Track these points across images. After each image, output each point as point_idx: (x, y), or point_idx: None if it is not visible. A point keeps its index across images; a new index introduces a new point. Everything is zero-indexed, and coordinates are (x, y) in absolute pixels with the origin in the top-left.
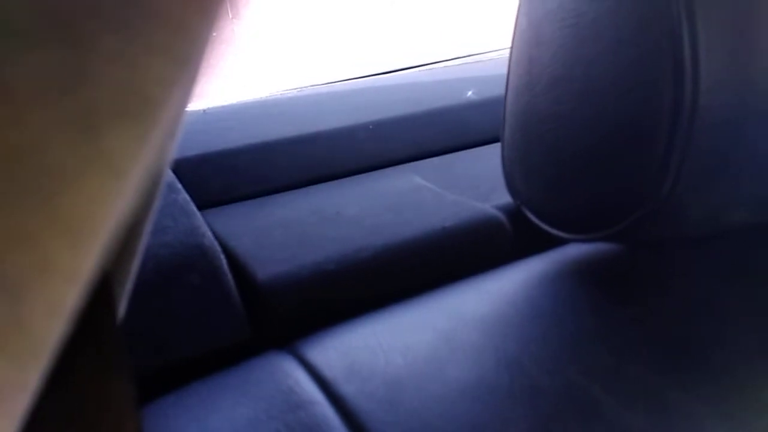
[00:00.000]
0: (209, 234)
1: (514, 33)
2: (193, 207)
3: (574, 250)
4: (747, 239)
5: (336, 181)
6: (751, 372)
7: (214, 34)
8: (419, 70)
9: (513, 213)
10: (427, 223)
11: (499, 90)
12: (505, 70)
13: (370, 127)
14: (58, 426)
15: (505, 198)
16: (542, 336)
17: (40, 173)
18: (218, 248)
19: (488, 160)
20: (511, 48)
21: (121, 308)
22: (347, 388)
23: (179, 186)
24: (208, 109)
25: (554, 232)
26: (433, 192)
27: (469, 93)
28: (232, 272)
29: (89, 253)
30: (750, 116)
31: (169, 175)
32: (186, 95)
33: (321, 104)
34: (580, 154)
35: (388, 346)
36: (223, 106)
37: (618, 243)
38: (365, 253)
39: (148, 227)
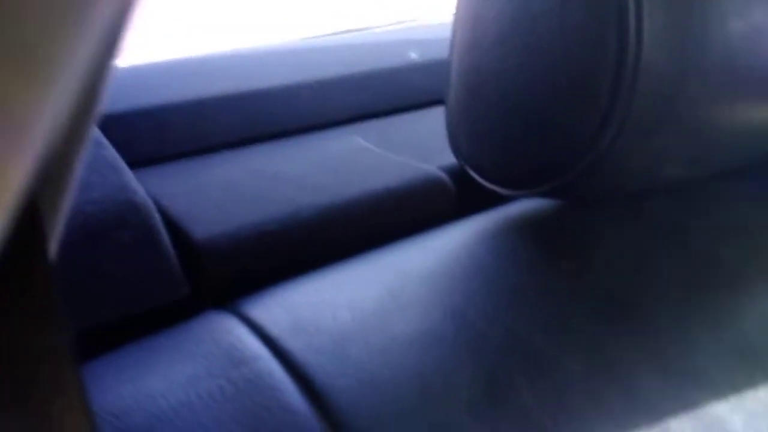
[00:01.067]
0: (141, 190)
1: None
2: (122, 163)
3: (516, 208)
4: (678, 198)
5: (276, 141)
6: (676, 319)
7: None
8: (362, 33)
9: (456, 173)
10: (370, 183)
11: (443, 53)
12: (449, 35)
13: (313, 85)
14: None
15: (448, 159)
16: (486, 289)
17: None
18: (151, 205)
19: (432, 122)
20: (456, 7)
21: (52, 253)
22: (293, 343)
23: (106, 142)
24: (140, 64)
25: (498, 189)
26: (375, 153)
27: (412, 55)
28: (167, 232)
29: (43, 98)
30: (691, 72)
31: (96, 132)
32: (97, 44)
33: (260, 63)
34: (525, 109)
35: (334, 302)
36: (156, 62)
37: (560, 199)
38: (306, 213)
39: (77, 165)
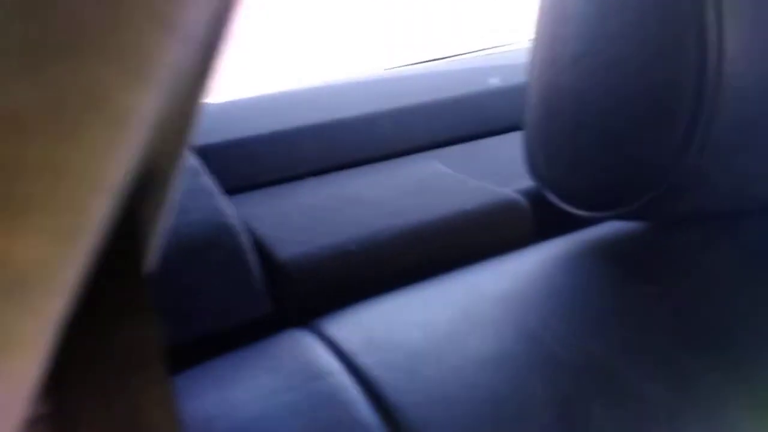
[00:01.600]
0: (232, 214)
1: (538, 13)
2: (216, 189)
3: (594, 231)
4: (765, 219)
5: (357, 168)
6: (765, 344)
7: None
8: (443, 61)
9: (534, 197)
10: (448, 206)
11: (521, 79)
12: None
13: (393, 114)
14: (88, 384)
15: (526, 184)
16: (563, 311)
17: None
18: (241, 227)
19: (510, 148)
20: (536, 29)
21: (150, 264)
22: (366, 360)
23: (203, 170)
24: (232, 100)
25: (575, 211)
26: (453, 177)
27: (493, 80)
28: (254, 253)
29: (144, 99)
30: None
31: (194, 161)
32: (195, 64)
33: (343, 94)
34: (603, 129)
35: (408, 321)
36: (247, 98)
37: (643, 220)
38: (385, 235)
39: (175, 182)
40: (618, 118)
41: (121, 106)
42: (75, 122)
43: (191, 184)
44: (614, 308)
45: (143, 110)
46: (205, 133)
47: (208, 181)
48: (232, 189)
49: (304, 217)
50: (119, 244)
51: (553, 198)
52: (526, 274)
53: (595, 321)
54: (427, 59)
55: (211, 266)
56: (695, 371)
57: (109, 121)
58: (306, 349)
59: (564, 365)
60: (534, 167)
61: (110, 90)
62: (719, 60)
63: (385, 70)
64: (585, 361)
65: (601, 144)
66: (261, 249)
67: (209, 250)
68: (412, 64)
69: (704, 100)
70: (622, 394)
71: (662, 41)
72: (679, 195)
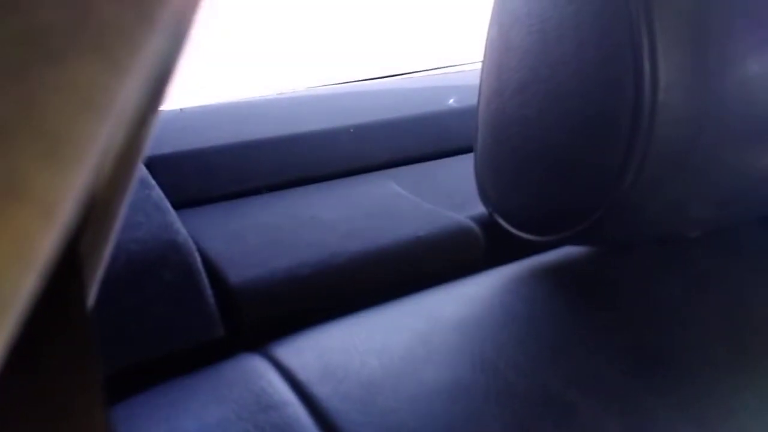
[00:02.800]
0: (183, 231)
1: (486, 42)
2: (167, 204)
3: (548, 258)
4: (711, 245)
5: (313, 186)
6: (719, 377)
7: (181, 39)
8: (401, 78)
9: (486, 223)
10: (402, 231)
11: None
12: None
13: (351, 130)
14: (23, 414)
15: (479, 208)
16: (518, 340)
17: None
18: (192, 245)
19: (467, 169)
20: (483, 57)
21: (92, 296)
22: (321, 389)
23: (153, 182)
24: (186, 108)
25: (525, 235)
26: (408, 200)
27: (451, 101)
28: (205, 273)
29: (67, 180)
30: (709, 114)
31: (143, 172)
32: (141, 96)
33: (300, 107)
34: (546, 154)
35: (364, 348)
36: (201, 106)
37: (587, 245)
38: (339, 259)
39: (121, 212)
40: (560, 144)
41: (43, 191)
42: None
43: (141, 197)
44: (569, 337)
45: (69, 190)
46: (154, 142)
47: (159, 194)
48: (182, 202)
49: (257, 237)
50: (57, 282)
51: (502, 222)
52: (481, 300)
53: (550, 350)
54: (386, 75)
55: (161, 286)
56: (646, 401)
57: (32, 208)
58: (258, 376)
59: (520, 396)
60: (483, 193)
61: (31, 177)
62: (653, 89)
63: (344, 84)
64: (541, 393)
65: (545, 170)
66: (211, 270)
67: (159, 268)
68: (370, 79)
69: (640, 127)
70: (575, 423)
71: (599, 70)
72: (619, 219)
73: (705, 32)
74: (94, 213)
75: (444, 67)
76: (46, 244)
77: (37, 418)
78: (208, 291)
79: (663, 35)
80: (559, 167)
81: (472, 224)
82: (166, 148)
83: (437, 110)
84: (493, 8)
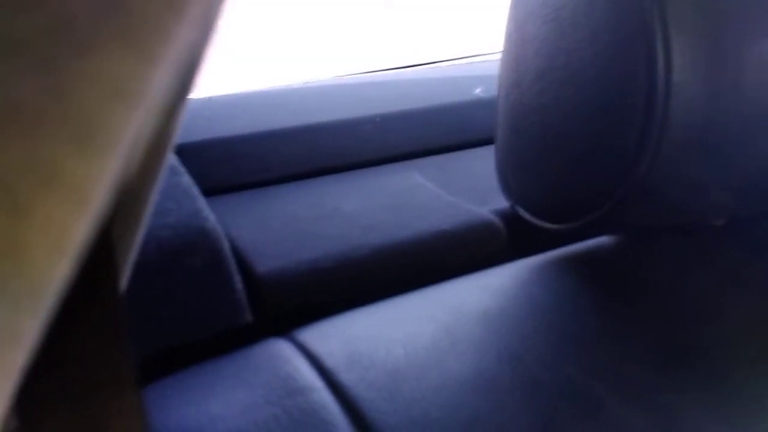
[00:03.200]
0: (212, 218)
1: (504, 37)
2: (195, 191)
3: (574, 250)
4: (739, 238)
5: (336, 175)
6: (751, 375)
7: (211, 29)
8: (427, 68)
9: (509, 218)
10: (424, 224)
11: None
12: None
13: (377, 120)
14: (56, 396)
15: (503, 201)
16: (544, 332)
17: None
18: (221, 232)
19: (492, 160)
20: (502, 51)
21: (124, 281)
22: (347, 376)
23: (182, 169)
24: (214, 97)
25: (545, 224)
26: (431, 192)
27: (477, 90)
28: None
29: (100, 169)
30: (721, 98)
31: (173, 159)
32: (170, 85)
33: (326, 96)
34: (563, 141)
35: (389, 337)
36: (228, 95)
37: (608, 232)
38: (361, 252)
39: (152, 198)
40: (577, 130)
41: (75, 178)
42: (28, 199)
43: (170, 184)
44: (596, 330)
45: (100, 177)
46: (183, 130)
47: (188, 181)
48: (209, 190)
49: (283, 227)
50: (91, 266)
51: (523, 213)
52: (507, 291)
53: (576, 342)
54: (413, 64)
55: (190, 271)
56: (671, 396)
57: (63, 194)
58: (285, 361)
59: (544, 387)
60: (505, 185)
61: (61, 164)
62: (667, 72)
63: (369, 73)
64: (566, 386)
65: (562, 157)
66: (239, 258)
67: (189, 254)
68: (397, 68)
69: (654, 110)
70: (601, 420)
71: (613, 56)
72: (638, 203)
73: (718, 15)
74: (126, 200)
75: (470, 57)
76: (79, 232)
77: (71, 399)
78: (236, 277)
79: (675, 19)
80: (576, 154)
81: (495, 219)
82: (195, 136)
83: (463, 100)
84: (510, 3)
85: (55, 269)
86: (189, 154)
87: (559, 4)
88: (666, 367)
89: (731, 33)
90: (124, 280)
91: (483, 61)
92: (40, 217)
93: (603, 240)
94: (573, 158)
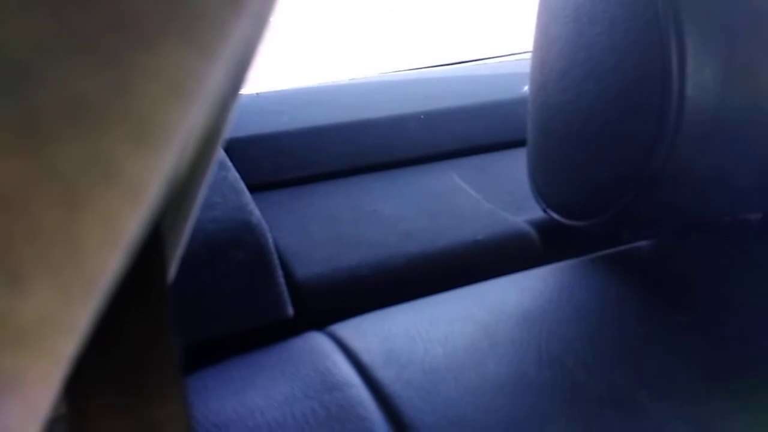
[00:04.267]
0: (257, 212)
1: (532, 42)
2: (242, 185)
3: (612, 253)
4: None
5: (377, 174)
6: None
7: (263, 25)
8: (474, 65)
9: (543, 226)
10: (460, 233)
11: None
12: None
13: (421, 117)
14: (104, 382)
15: (538, 210)
16: (587, 336)
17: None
18: (265, 226)
19: None
20: (531, 57)
21: (172, 273)
22: (384, 374)
23: (230, 164)
24: (261, 93)
25: (573, 222)
26: (469, 198)
27: (525, 88)
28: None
29: (155, 165)
30: (735, 79)
31: (221, 154)
32: (224, 81)
33: (372, 93)
34: (585, 135)
35: (427, 336)
36: (275, 91)
37: (635, 226)
38: (398, 260)
39: (200, 193)
40: (597, 122)
41: (131, 174)
42: (86, 193)
43: (218, 178)
44: (637, 335)
45: (155, 173)
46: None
47: (234, 176)
48: (256, 183)
49: (322, 230)
50: (141, 258)
51: (552, 214)
52: (548, 293)
53: (619, 348)
54: (459, 61)
55: (235, 264)
56: (719, 407)
57: (120, 189)
58: (324, 356)
59: (586, 392)
60: (536, 188)
61: (120, 160)
62: (680, 57)
63: (415, 69)
64: (608, 391)
65: (586, 150)
66: (280, 256)
67: (234, 248)
68: (444, 65)
69: (670, 94)
70: (644, 425)
71: (630, 43)
72: (662, 191)
73: (726, 5)
74: (177, 193)
75: (519, 54)
76: (132, 225)
77: (118, 386)
78: (279, 272)
79: (687, 6)
80: (598, 145)
81: (530, 229)
82: (242, 132)
83: (510, 98)
84: (537, 9)
85: (107, 261)
86: (236, 148)
87: (578, 2)
88: (715, 375)
89: (742, 17)
90: (171, 271)
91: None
92: (96, 211)
93: (642, 243)
94: (595, 151)
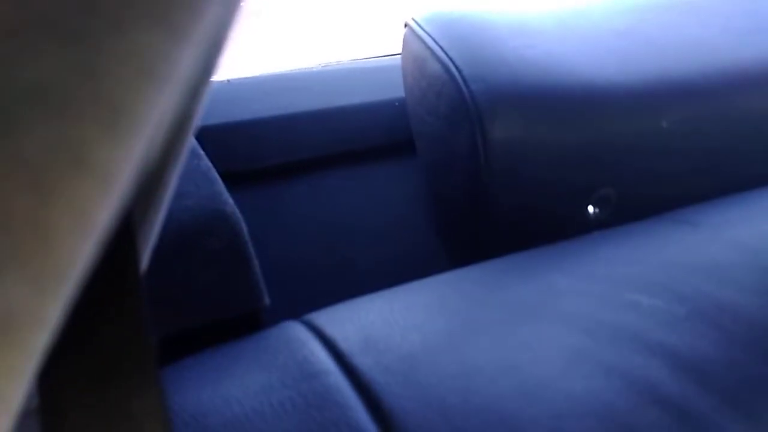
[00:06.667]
0: (230, 201)
1: None
2: (215, 174)
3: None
4: None
5: (351, 167)
6: None
7: (236, 10)
8: None
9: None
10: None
11: None
12: None
13: (396, 104)
14: (77, 375)
15: None
16: (565, 322)
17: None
18: (239, 215)
19: None
20: None
21: (145, 263)
22: (362, 361)
23: (201, 152)
24: (233, 79)
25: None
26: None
27: None
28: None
29: (126, 151)
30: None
31: (192, 142)
32: (196, 66)
33: (346, 79)
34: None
35: (405, 323)
36: (247, 78)
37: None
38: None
39: (172, 181)
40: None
41: (101, 160)
42: (55, 179)
43: (190, 167)
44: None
45: (126, 159)
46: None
47: (207, 164)
48: (229, 172)
49: (298, 219)
50: (112, 248)
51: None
52: (521, 278)
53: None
54: None
55: (209, 254)
56: None
57: (90, 176)
58: (301, 344)
59: (564, 377)
60: None
61: (90, 145)
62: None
63: (391, 56)
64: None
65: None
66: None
67: (207, 237)
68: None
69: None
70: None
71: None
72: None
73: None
74: (147, 182)
75: None
76: (103, 213)
77: (92, 378)
78: (255, 260)
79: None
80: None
81: None
82: (213, 119)
83: None
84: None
85: (77, 250)
86: (208, 136)
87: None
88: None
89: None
90: (144, 262)
91: None
92: (65, 198)
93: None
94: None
